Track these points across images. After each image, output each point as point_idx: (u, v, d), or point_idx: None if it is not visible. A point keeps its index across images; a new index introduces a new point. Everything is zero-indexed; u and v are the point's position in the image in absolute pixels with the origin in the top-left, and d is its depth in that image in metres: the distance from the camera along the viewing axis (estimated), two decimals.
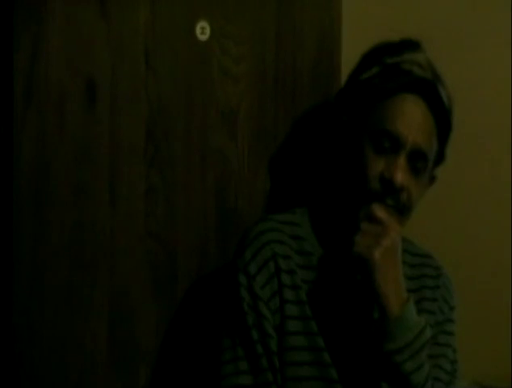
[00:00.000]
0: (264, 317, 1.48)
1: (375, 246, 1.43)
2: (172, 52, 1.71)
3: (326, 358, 1.50)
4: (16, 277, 1.64)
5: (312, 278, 1.53)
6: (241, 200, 1.75)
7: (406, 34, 1.56)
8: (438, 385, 1.52)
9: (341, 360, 1.51)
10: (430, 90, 1.50)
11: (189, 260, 1.73)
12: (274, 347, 1.48)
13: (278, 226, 1.55)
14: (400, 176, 1.47)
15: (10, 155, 1.63)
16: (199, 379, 1.71)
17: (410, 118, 1.50)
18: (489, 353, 1.93)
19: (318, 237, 1.57)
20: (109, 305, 1.68)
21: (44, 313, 1.65)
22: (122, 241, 1.69)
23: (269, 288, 1.49)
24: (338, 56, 1.81)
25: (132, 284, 1.70)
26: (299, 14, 1.78)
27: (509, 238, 1.96)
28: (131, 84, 1.69)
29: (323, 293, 1.53)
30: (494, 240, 1.97)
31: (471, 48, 1.93)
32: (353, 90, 1.56)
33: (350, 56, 1.64)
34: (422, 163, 1.51)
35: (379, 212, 1.46)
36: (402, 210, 1.50)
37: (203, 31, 1.72)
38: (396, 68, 1.51)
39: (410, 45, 1.54)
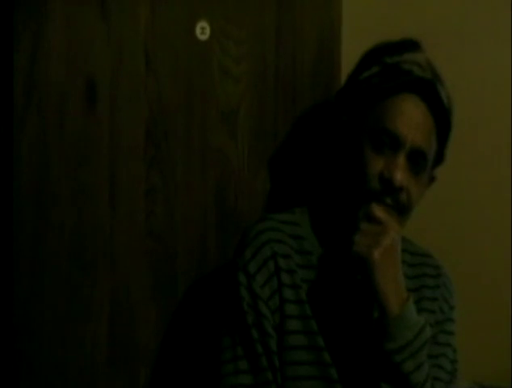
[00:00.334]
0: (264, 316, 1.48)
1: (375, 246, 1.43)
2: (172, 52, 1.71)
3: (326, 357, 1.50)
4: (16, 277, 1.64)
5: (312, 277, 1.53)
6: (241, 200, 1.75)
7: (406, 34, 1.56)
8: (438, 384, 1.52)
9: (340, 360, 1.51)
10: (429, 89, 1.50)
11: (189, 260, 1.73)
12: (273, 346, 1.48)
13: (277, 226, 1.55)
14: (400, 175, 1.47)
15: (10, 155, 1.63)
16: (199, 379, 1.71)
17: (410, 117, 1.49)
18: (489, 353, 1.93)
19: (318, 236, 1.57)
20: (109, 305, 1.68)
21: (43, 313, 1.65)
22: (122, 241, 1.69)
23: (268, 287, 1.49)
24: (338, 56, 1.81)
25: (132, 284, 1.70)
26: (299, 14, 1.78)
27: (509, 238, 1.96)
28: (131, 84, 1.69)
29: (323, 292, 1.53)
30: (494, 240, 1.96)
31: (471, 48, 1.92)
32: (352, 90, 1.56)
33: (350, 56, 1.64)
34: (422, 163, 1.51)
35: (379, 212, 1.46)
36: (401, 210, 1.49)
37: (203, 31, 1.72)
38: (395, 68, 1.51)
39: (410, 45, 1.54)
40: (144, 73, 1.70)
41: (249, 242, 1.52)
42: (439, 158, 1.57)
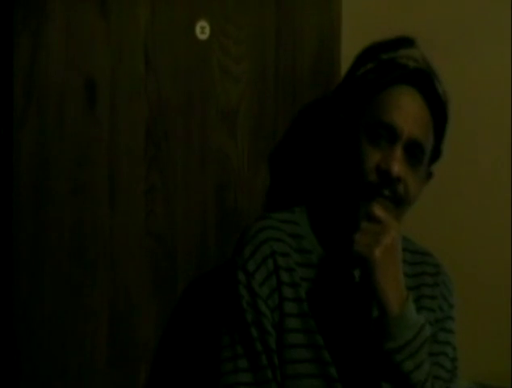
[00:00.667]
0: (263, 314, 1.48)
1: (375, 245, 1.43)
2: (172, 52, 1.71)
3: (325, 356, 1.50)
4: (16, 277, 1.64)
5: (311, 276, 1.53)
6: (241, 199, 1.75)
7: (406, 33, 1.56)
8: (438, 383, 1.52)
9: (340, 358, 1.51)
10: (425, 81, 1.51)
11: (189, 259, 1.73)
12: (273, 344, 1.48)
13: (277, 224, 1.55)
14: (397, 167, 1.47)
15: (10, 155, 1.63)
16: (199, 377, 1.71)
17: (406, 109, 1.50)
18: (489, 352, 1.93)
19: (317, 235, 1.57)
20: (109, 305, 1.68)
21: (43, 313, 1.65)
22: (122, 241, 1.69)
23: (268, 285, 1.49)
24: (338, 56, 1.81)
25: (132, 283, 1.70)
26: (299, 13, 1.78)
27: (509, 238, 1.96)
28: (131, 84, 1.69)
29: (322, 290, 1.53)
30: (494, 239, 1.97)
31: (471, 48, 1.93)
32: (349, 86, 1.56)
33: (349, 55, 1.64)
34: (419, 155, 1.51)
35: (379, 211, 1.46)
36: (399, 201, 1.50)
37: (203, 30, 1.72)
38: (391, 62, 1.52)
39: (405, 42, 1.55)
40: (144, 73, 1.70)
41: (248, 240, 1.52)
42: (436, 154, 1.57)
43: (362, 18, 1.83)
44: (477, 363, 1.86)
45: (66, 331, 1.67)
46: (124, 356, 1.70)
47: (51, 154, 1.65)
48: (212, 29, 1.72)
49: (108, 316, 1.68)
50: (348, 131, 1.54)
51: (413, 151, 1.50)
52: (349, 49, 1.76)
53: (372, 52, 1.55)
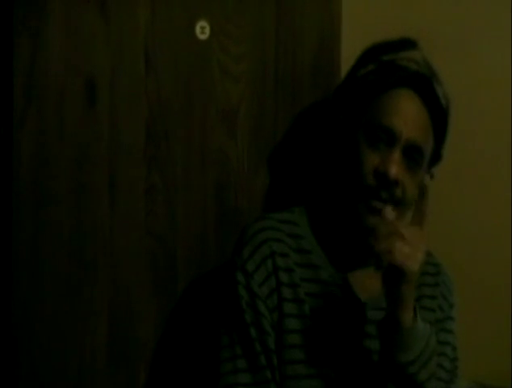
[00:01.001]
0: (262, 315, 1.48)
1: (414, 259, 1.39)
2: (172, 52, 1.71)
3: (325, 357, 1.50)
4: (16, 277, 1.64)
5: (310, 276, 1.53)
6: (241, 199, 1.75)
7: (406, 33, 1.56)
8: (438, 383, 1.52)
9: (339, 359, 1.51)
10: (425, 85, 1.50)
11: (189, 259, 1.73)
12: (272, 345, 1.48)
13: (276, 225, 1.55)
14: (394, 170, 1.47)
15: (10, 155, 1.63)
16: (198, 377, 1.71)
17: (405, 113, 1.50)
18: (489, 352, 1.93)
19: (316, 235, 1.57)
20: (109, 305, 1.68)
21: (43, 312, 1.65)
22: (122, 241, 1.69)
23: (267, 286, 1.49)
24: (338, 56, 1.81)
25: (132, 283, 1.70)
26: (299, 13, 1.78)
27: (509, 238, 1.96)
28: (131, 84, 1.69)
29: (321, 291, 1.53)
30: (494, 239, 1.96)
31: (471, 48, 1.92)
32: (349, 87, 1.56)
33: (349, 55, 1.64)
34: (417, 158, 1.51)
35: (390, 214, 1.44)
36: (397, 204, 1.49)
37: (202, 30, 1.72)
38: (391, 64, 1.51)
39: (407, 44, 1.54)
40: (144, 73, 1.70)
41: (247, 240, 1.52)
42: (436, 157, 1.57)
43: (362, 19, 1.82)
44: (477, 363, 1.86)
45: (66, 331, 1.67)
46: (124, 355, 1.70)
47: (51, 154, 1.65)
48: (212, 29, 1.72)
49: (108, 316, 1.68)
50: (347, 133, 1.54)
51: (412, 154, 1.50)
52: (349, 49, 1.76)
53: (373, 54, 1.55)
